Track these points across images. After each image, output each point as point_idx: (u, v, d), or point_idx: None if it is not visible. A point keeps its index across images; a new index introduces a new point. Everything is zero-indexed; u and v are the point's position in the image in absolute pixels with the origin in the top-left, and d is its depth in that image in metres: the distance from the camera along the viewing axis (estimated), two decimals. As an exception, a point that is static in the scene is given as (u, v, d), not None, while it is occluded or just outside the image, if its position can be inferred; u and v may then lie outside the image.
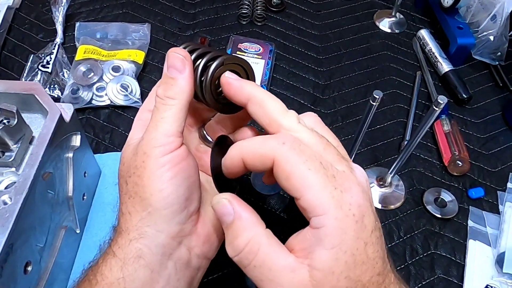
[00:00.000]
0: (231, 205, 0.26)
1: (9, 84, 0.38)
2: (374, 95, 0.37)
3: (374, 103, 0.38)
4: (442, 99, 0.36)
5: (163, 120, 0.29)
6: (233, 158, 0.27)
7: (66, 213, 0.41)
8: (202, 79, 0.30)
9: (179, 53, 0.29)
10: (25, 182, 0.32)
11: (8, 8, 0.64)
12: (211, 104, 0.31)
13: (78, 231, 0.43)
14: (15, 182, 0.35)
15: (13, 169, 0.36)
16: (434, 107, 0.37)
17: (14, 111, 0.35)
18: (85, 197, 0.45)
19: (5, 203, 0.31)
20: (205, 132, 0.35)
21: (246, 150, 0.26)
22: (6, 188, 0.35)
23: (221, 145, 0.30)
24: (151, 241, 0.28)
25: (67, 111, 0.40)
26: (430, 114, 0.38)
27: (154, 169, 0.28)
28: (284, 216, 0.48)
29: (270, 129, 0.27)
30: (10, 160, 0.35)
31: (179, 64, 0.29)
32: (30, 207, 0.33)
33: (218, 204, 0.27)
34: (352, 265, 0.23)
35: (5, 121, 0.36)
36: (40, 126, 0.39)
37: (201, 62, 0.30)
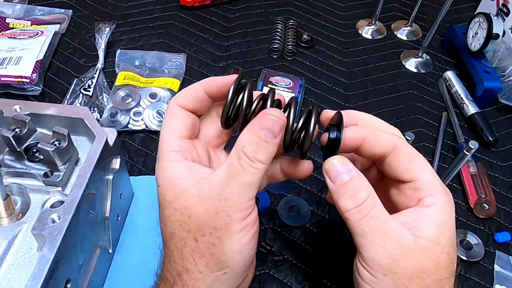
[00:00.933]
0: (346, 165, 0.30)
1: (61, 108, 0.41)
2: (407, 137, 0.39)
3: (406, 144, 0.39)
4: (473, 144, 0.37)
5: (251, 185, 0.29)
6: (356, 134, 0.31)
7: (102, 232, 0.42)
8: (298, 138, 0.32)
9: (277, 116, 0.29)
10: (73, 202, 0.34)
11: (55, 33, 0.68)
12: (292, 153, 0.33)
13: (110, 251, 0.44)
14: (61, 201, 0.38)
15: (60, 188, 0.38)
16: (465, 152, 0.38)
17: (66, 134, 0.38)
18: (119, 218, 0.46)
19: (53, 221, 0.33)
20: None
21: (370, 132, 0.31)
22: (52, 206, 0.37)
23: (339, 122, 0.32)
24: None
25: (111, 135, 0.42)
26: (460, 158, 0.39)
27: (235, 232, 0.29)
28: (307, 247, 0.48)
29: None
30: (58, 180, 0.38)
31: (276, 129, 0.29)
32: (74, 226, 0.34)
33: (332, 165, 0.30)
34: (452, 243, 0.29)
35: (56, 142, 0.38)
36: (85, 149, 0.42)
37: (291, 117, 0.30)
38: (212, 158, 0.36)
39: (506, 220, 0.52)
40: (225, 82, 0.33)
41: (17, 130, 0.39)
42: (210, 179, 0.30)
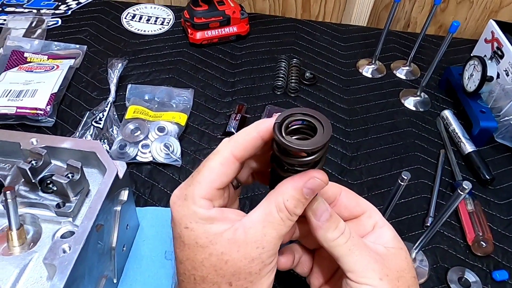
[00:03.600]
0: (326, 204, 0.34)
1: (75, 141, 0.43)
2: (403, 176, 0.40)
3: (403, 183, 0.41)
4: (467, 185, 0.39)
5: (285, 234, 0.32)
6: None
7: (108, 263, 0.44)
8: None
9: (323, 180, 0.31)
10: (83, 233, 0.36)
11: (70, 67, 0.72)
12: None
13: (115, 281, 0.45)
14: (71, 232, 0.39)
15: (70, 219, 0.40)
16: (460, 191, 0.40)
17: (79, 167, 0.40)
18: (124, 249, 0.48)
19: (64, 251, 0.34)
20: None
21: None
22: (62, 236, 0.39)
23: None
24: None
25: (121, 168, 0.44)
26: (455, 197, 0.41)
27: (265, 273, 0.31)
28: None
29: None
30: (70, 211, 0.39)
31: (318, 189, 0.31)
32: (83, 256, 0.36)
33: (319, 205, 0.33)
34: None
35: (69, 175, 0.40)
36: (95, 180, 0.44)
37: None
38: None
39: (504, 258, 0.53)
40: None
41: (33, 162, 0.41)
42: (245, 225, 0.31)
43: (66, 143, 0.43)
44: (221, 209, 0.32)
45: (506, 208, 0.59)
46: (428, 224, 0.55)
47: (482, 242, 0.52)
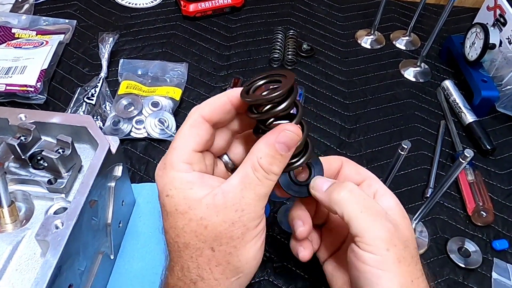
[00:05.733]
0: (322, 178, 0.36)
1: (64, 116, 0.42)
2: (403, 145, 0.39)
3: (403, 153, 0.40)
4: (469, 153, 0.38)
5: (266, 195, 0.30)
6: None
7: (104, 239, 0.43)
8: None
9: (295, 132, 0.30)
10: (76, 209, 0.35)
11: (60, 43, 0.70)
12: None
13: (112, 257, 0.45)
14: (64, 208, 0.38)
15: (63, 195, 0.39)
16: (461, 160, 0.39)
17: (69, 142, 0.39)
18: (120, 225, 0.47)
19: (57, 227, 0.34)
20: (227, 159, 0.37)
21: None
22: (55, 213, 0.38)
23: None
24: None
25: (113, 143, 0.43)
26: (456, 166, 0.40)
27: (250, 239, 0.30)
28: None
29: None
30: (62, 187, 0.39)
31: (292, 144, 0.30)
32: (77, 232, 0.35)
33: (316, 179, 0.35)
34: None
35: (60, 150, 0.39)
36: (88, 156, 0.43)
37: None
38: (214, 167, 0.36)
39: (504, 228, 0.52)
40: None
41: (22, 138, 0.40)
42: (224, 189, 0.30)
43: (55, 118, 0.42)
44: (201, 174, 0.32)
45: (507, 178, 0.58)
46: (428, 195, 0.54)
47: (482, 212, 0.51)
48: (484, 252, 0.50)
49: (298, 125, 0.32)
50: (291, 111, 0.33)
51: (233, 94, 0.33)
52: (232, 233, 0.29)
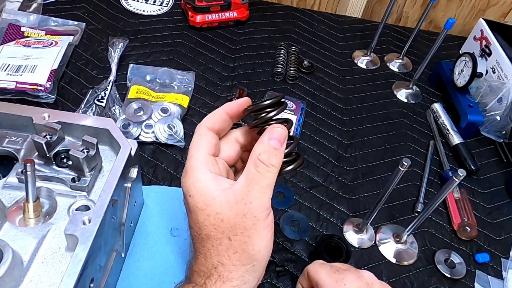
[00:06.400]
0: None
1: (89, 118, 0.44)
2: (404, 162, 0.43)
3: (402, 169, 0.44)
4: (462, 172, 0.42)
5: (269, 187, 0.34)
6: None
7: (118, 237, 0.45)
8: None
9: (282, 128, 0.36)
10: (101, 207, 0.37)
11: (69, 44, 0.71)
12: None
13: (123, 255, 0.47)
14: (85, 205, 0.40)
15: (85, 193, 0.41)
16: (454, 178, 0.43)
17: (94, 143, 0.41)
18: (131, 224, 0.49)
19: (84, 223, 0.36)
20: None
21: None
22: (77, 209, 0.40)
23: None
24: (249, 286, 0.35)
25: (133, 146, 0.45)
26: (449, 184, 0.44)
27: (261, 230, 0.34)
28: (307, 259, 0.52)
29: None
30: (85, 185, 0.40)
31: (283, 139, 0.36)
32: (101, 229, 0.37)
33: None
34: None
35: (85, 150, 0.41)
36: (107, 158, 0.45)
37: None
38: (228, 173, 0.41)
39: (486, 242, 0.57)
40: (240, 104, 0.40)
41: (47, 136, 0.41)
42: (234, 188, 0.35)
43: (80, 119, 0.43)
44: (216, 175, 0.37)
45: (488, 197, 0.63)
46: (418, 210, 0.58)
47: (467, 227, 0.56)
48: (467, 264, 0.54)
49: (285, 127, 0.37)
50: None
51: (227, 106, 0.40)
52: (245, 224, 0.34)
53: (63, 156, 0.42)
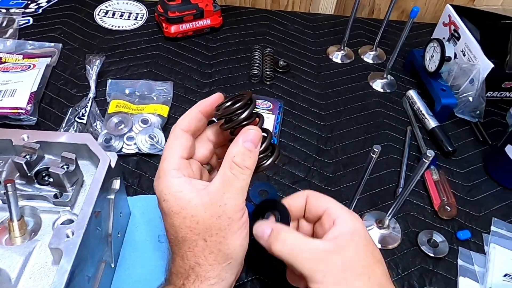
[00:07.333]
0: (264, 223, 0.40)
1: (67, 135, 0.45)
2: (374, 149, 0.45)
3: (374, 156, 0.45)
4: (430, 153, 0.44)
5: (243, 188, 0.35)
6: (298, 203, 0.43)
7: (106, 248, 0.46)
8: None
9: (257, 130, 0.37)
10: (84, 219, 0.38)
11: (47, 66, 0.72)
12: None
13: (113, 265, 0.48)
14: (69, 220, 0.41)
15: (68, 208, 0.42)
16: (424, 159, 0.44)
17: (74, 158, 0.42)
18: (119, 235, 0.50)
19: (67, 236, 0.37)
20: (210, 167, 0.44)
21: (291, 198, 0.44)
22: (62, 224, 0.41)
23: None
24: (227, 282, 0.36)
25: (112, 158, 0.46)
26: (420, 166, 0.45)
27: (236, 230, 0.35)
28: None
29: None
30: (67, 200, 0.42)
31: (257, 141, 0.36)
32: (85, 240, 0.38)
33: (260, 224, 0.40)
34: (367, 236, 0.40)
35: (65, 166, 0.42)
36: (88, 171, 0.46)
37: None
38: (202, 173, 0.42)
39: (466, 220, 0.59)
40: (213, 100, 0.41)
41: (27, 156, 0.43)
42: (209, 189, 0.36)
43: (58, 137, 0.45)
44: (189, 179, 0.37)
45: (467, 176, 0.65)
46: (398, 194, 0.60)
47: (447, 207, 0.57)
48: (450, 242, 0.55)
49: (259, 127, 0.38)
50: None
51: (201, 105, 0.40)
52: (220, 225, 0.35)
53: (44, 174, 0.43)
